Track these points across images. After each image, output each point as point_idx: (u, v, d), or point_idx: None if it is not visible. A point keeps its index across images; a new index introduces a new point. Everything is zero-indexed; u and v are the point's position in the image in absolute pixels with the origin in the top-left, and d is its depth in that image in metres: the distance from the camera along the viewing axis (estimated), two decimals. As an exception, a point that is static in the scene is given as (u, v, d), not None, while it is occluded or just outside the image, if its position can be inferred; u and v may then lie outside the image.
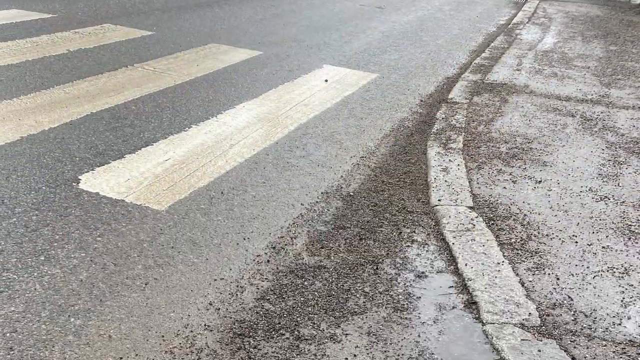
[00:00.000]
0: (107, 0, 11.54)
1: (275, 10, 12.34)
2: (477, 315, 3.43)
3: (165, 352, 2.99)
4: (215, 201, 4.53)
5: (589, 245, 4.18)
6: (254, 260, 3.85)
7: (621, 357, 3.12)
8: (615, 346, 3.21)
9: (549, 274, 3.83)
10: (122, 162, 4.97)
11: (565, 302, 3.56)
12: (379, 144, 5.94)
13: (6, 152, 4.93)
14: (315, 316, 3.34)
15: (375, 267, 3.84)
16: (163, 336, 3.10)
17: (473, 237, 4.17)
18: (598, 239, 4.27)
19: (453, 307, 3.51)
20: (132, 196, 4.44)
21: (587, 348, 3.18)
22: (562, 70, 9.06)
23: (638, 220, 4.57)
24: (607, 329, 3.35)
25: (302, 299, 3.49)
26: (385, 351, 3.11)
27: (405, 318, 3.39)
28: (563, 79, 8.55)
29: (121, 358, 2.92)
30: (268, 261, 3.85)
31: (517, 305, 3.46)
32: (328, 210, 4.55)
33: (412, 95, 7.67)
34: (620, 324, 3.39)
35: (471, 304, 3.53)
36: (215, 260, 3.81)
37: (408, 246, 4.11)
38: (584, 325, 3.36)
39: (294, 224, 4.33)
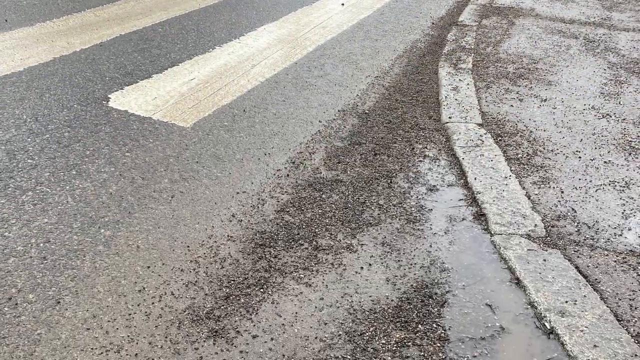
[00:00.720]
0: None
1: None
2: (485, 227, 3.31)
3: (191, 261, 2.89)
4: (237, 118, 4.38)
5: (592, 160, 4.03)
6: (274, 174, 3.73)
7: (622, 266, 3.01)
8: (617, 256, 3.09)
9: (553, 187, 3.69)
10: (149, 82, 4.83)
11: (569, 214, 3.43)
12: (393, 64, 5.74)
13: (40, 72, 4.79)
14: (333, 227, 3.23)
15: (389, 181, 3.71)
16: (188, 246, 3.00)
17: (482, 152, 4.02)
18: (600, 154, 4.11)
19: (463, 219, 3.39)
20: (159, 114, 4.31)
21: (590, 257, 3.07)
22: (566, -6, 8.74)
23: (638, 136, 4.40)
24: (608, 239, 3.22)
25: (320, 211, 3.37)
26: (398, 260, 3.00)
27: (418, 229, 3.27)
28: (567, 2, 8.25)
29: (149, 267, 2.83)
30: (288, 175, 3.72)
31: (524, 217, 3.34)
32: (344, 127, 4.40)
33: (424, 18, 7.42)
34: (621, 235, 3.27)
35: (480, 216, 3.41)
36: (237, 175, 3.68)
37: (420, 161, 3.97)
38: (587, 236, 3.24)
39: (312, 140, 4.18)
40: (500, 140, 4.25)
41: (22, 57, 5.08)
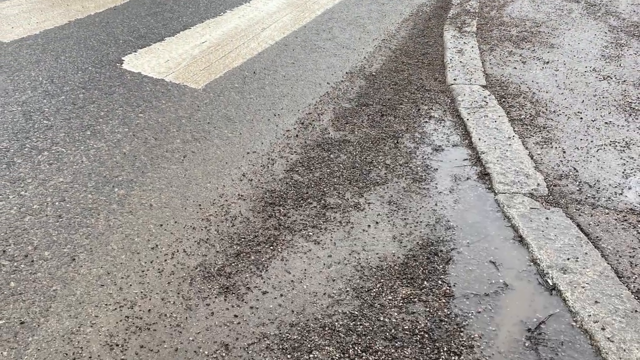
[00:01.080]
0: None
1: None
2: (489, 186, 3.23)
3: (202, 219, 2.83)
4: (248, 80, 4.29)
5: (593, 121, 3.93)
6: (283, 134, 3.64)
7: (622, 224, 2.93)
8: (617, 214, 3.01)
9: (556, 147, 3.59)
10: (162, 45, 4.73)
11: (570, 173, 3.34)
12: (399, 28, 5.61)
13: (55, 35, 4.69)
14: (340, 186, 3.16)
15: (395, 141, 3.62)
16: (200, 205, 2.93)
17: (486, 113, 3.92)
18: (601, 115, 4.00)
19: (467, 178, 3.31)
20: (172, 76, 4.22)
21: (591, 216, 2.99)
22: (568, -42, 8.52)
23: (638, 97, 4.29)
24: (609, 198, 3.14)
25: (328, 170, 3.29)
26: (404, 219, 2.92)
27: (424, 188, 3.19)
28: (569, -34, 8.04)
29: (161, 225, 2.76)
30: (297, 136, 3.64)
31: (527, 177, 3.25)
32: (352, 88, 4.30)
33: (429, -17, 7.24)
34: (621, 194, 3.18)
35: (484, 175, 3.32)
36: (248, 135, 3.60)
37: (426, 122, 3.87)
38: (588, 195, 3.15)
39: (320, 101, 4.09)
40: (503, 101, 4.15)
41: (38, 20, 4.98)
